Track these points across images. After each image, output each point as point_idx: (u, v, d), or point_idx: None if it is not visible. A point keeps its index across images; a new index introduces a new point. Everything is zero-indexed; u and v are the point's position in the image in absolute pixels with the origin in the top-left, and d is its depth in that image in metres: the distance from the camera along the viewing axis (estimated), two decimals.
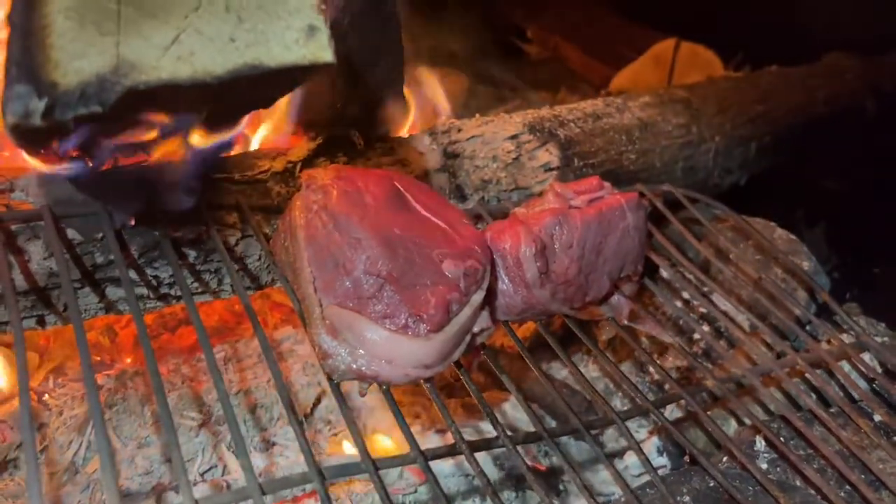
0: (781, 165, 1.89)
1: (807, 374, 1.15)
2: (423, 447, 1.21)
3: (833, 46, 2.23)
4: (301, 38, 0.67)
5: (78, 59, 0.59)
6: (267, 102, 0.83)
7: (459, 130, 1.30)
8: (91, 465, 1.15)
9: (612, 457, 1.29)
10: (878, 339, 1.22)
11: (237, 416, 1.22)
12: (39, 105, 0.58)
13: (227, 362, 1.33)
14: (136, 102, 0.64)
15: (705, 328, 1.33)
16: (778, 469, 1.00)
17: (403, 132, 1.31)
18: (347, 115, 1.19)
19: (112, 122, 0.68)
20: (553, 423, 1.32)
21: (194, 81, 0.63)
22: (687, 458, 1.15)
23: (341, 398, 0.81)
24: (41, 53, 0.58)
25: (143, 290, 0.96)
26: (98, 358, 1.27)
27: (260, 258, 1.03)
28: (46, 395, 1.21)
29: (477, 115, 1.37)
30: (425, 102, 1.38)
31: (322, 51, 0.68)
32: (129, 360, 1.28)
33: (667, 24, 2.45)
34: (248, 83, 0.67)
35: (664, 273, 1.34)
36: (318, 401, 1.27)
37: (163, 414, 0.72)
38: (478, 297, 0.87)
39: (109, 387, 1.23)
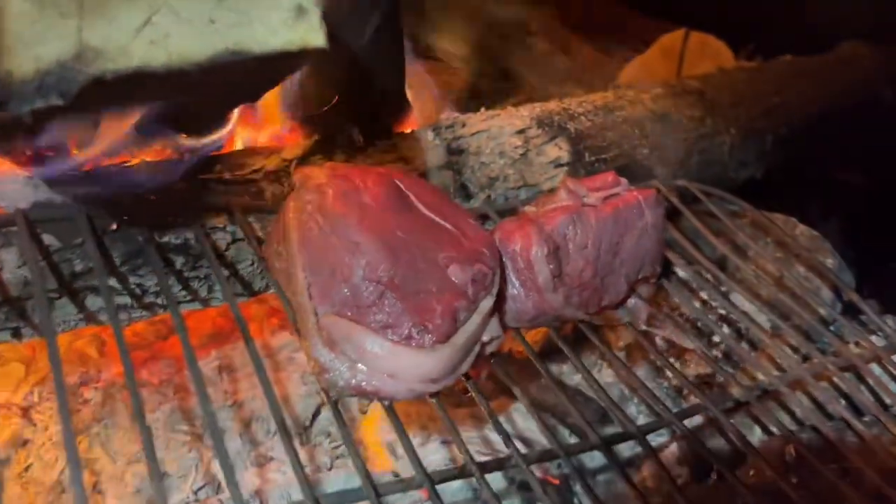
0: (797, 158, 1.82)
1: (835, 379, 1.09)
2: (431, 459, 1.16)
3: (846, 35, 2.16)
4: (289, 19, 0.60)
5: (35, 45, 0.52)
6: (254, 95, 0.76)
7: (464, 125, 1.24)
8: None
9: (629, 465, 1.22)
10: None
11: (232, 430, 1.16)
12: None
13: (222, 372, 1.27)
14: (104, 94, 0.57)
15: (725, 330, 1.26)
16: (811, 484, 0.94)
17: (405, 128, 1.24)
18: (346, 111, 1.13)
19: (80, 116, 0.62)
20: (566, 433, 1.25)
21: (170, 69, 0.56)
22: (714, 476, 1.08)
23: (340, 417, 0.74)
24: None
25: (128, 300, 0.90)
26: (85, 370, 1.21)
27: (253, 263, 0.97)
28: (32, 411, 1.15)
29: (482, 109, 1.31)
30: (427, 97, 1.32)
31: (312, 34, 0.62)
32: (118, 372, 1.22)
33: (675, 14, 2.38)
34: (234, 72, 0.61)
35: (680, 272, 1.27)
36: (317, 412, 1.20)
37: (146, 442, 0.66)
38: (487, 304, 0.80)
39: (97, 401, 1.16)
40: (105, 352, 1.24)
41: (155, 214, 0.87)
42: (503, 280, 0.88)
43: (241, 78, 0.64)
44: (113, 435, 1.13)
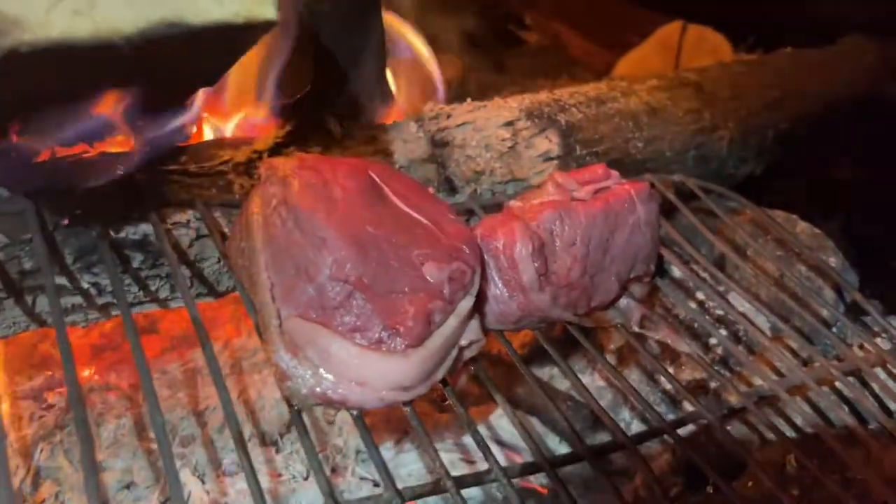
0: (799, 154, 1.76)
1: (838, 384, 1.03)
2: (410, 469, 1.10)
3: (849, 29, 2.11)
4: None
5: None
6: (208, 78, 0.70)
7: (449, 116, 1.18)
8: (39, 493, 1.03)
9: (621, 475, 1.17)
10: None
11: (202, 437, 1.10)
12: None
13: (196, 375, 1.21)
14: (27, 71, 0.51)
15: (722, 332, 1.21)
16: (812, 496, 0.88)
17: (387, 119, 1.18)
18: (323, 101, 1.07)
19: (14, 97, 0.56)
20: (556, 440, 1.20)
21: (97, 42, 0.50)
22: (710, 487, 1.02)
23: (303, 427, 0.68)
24: None
25: (80, 300, 0.84)
26: (50, 373, 1.15)
27: (218, 261, 0.91)
28: None
29: (468, 100, 1.25)
30: (412, 85, 1.26)
31: (261, 6, 0.56)
32: (85, 374, 1.16)
33: (672, 6, 2.32)
34: (174, 48, 0.55)
35: (676, 271, 1.22)
36: None
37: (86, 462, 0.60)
38: (465, 305, 0.74)
39: (61, 406, 1.11)
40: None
41: (111, 208, 0.81)
42: (485, 279, 0.82)
43: (185, 56, 0.58)
44: (77, 442, 1.07)
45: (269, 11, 0.56)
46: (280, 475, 1.06)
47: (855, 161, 1.98)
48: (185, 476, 1.05)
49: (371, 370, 0.68)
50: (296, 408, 0.69)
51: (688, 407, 0.90)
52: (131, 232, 0.83)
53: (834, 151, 1.90)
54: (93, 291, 0.83)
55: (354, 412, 0.70)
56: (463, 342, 0.75)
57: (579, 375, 0.88)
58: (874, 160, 1.98)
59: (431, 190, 1.02)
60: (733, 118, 1.50)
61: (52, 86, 0.57)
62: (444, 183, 1.12)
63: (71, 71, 0.55)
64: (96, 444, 1.07)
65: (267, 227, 0.74)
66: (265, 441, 1.11)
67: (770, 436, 1.07)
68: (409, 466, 1.09)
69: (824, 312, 1.16)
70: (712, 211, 1.20)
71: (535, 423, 1.21)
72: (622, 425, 0.83)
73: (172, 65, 0.60)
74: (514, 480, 0.73)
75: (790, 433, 1.05)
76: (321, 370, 0.67)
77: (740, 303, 1.17)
